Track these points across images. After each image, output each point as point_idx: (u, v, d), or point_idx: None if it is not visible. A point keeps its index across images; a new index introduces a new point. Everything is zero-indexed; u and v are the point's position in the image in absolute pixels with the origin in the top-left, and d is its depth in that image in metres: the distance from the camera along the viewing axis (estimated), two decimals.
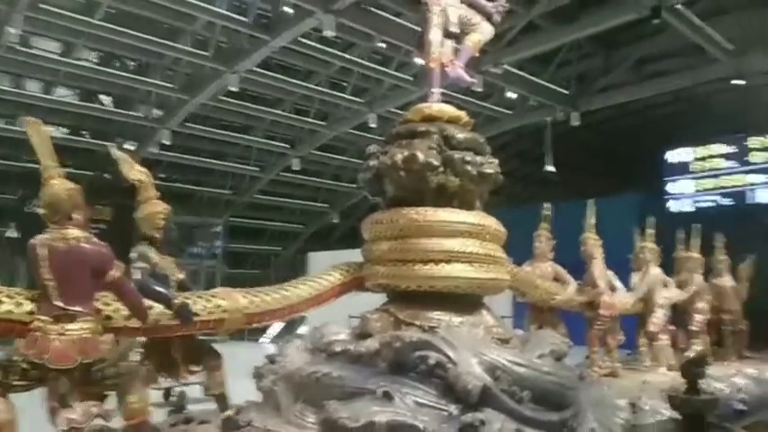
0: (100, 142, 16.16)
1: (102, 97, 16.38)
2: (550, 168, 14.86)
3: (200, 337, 3.70)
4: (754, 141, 14.21)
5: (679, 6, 10.57)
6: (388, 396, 3.42)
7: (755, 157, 14.12)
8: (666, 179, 15.49)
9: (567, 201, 10.34)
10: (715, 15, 11.91)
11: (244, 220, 21.99)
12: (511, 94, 14.63)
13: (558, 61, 14.62)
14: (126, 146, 16.57)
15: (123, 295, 2.96)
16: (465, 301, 4.34)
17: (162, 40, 12.10)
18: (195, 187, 20.16)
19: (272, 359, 4.14)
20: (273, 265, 22.82)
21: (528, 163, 20.37)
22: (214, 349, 3.71)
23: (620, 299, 6.45)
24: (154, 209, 3.61)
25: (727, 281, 8.75)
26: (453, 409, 3.49)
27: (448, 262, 4.17)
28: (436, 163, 4.26)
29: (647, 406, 4.71)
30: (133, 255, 3.42)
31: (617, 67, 14.41)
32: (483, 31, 4.87)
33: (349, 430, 3.23)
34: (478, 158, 4.36)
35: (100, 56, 14.53)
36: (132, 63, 14.75)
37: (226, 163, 19.14)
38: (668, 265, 7.85)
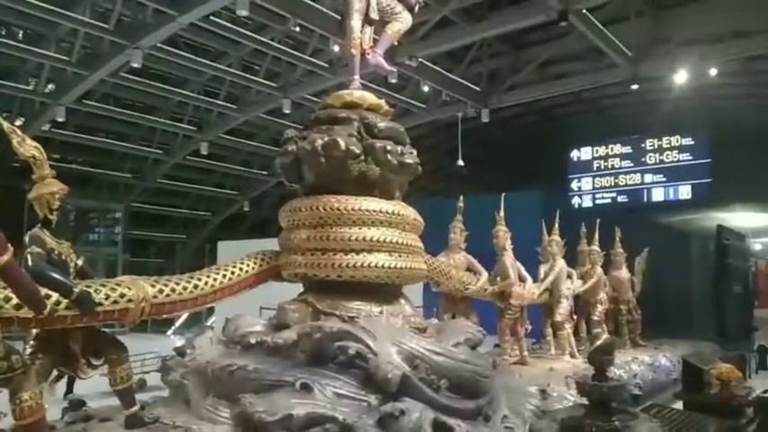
0: None
1: None
2: (460, 163, 15.21)
3: (103, 329, 3.41)
4: (649, 143, 15.26)
5: (585, 11, 11.08)
6: (306, 388, 3.33)
7: (651, 159, 15.19)
8: (571, 176, 16.33)
9: (477, 194, 10.63)
10: (616, 22, 12.61)
11: (146, 205, 20.84)
12: (425, 88, 14.79)
13: (470, 58, 14.97)
14: (15, 122, 15.28)
15: (14, 283, 2.64)
16: (384, 290, 4.30)
17: (57, 9, 11.12)
18: (93, 169, 18.84)
19: (180, 352, 3.91)
20: (179, 253, 21.86)
21: (439, 157, 20.75)
22: (118, 341, 3.43)
23: (528, 289, 6.68)
24: (49, 188, 3.27)
25: (624, 273, 9.34)
26: (373, 399, 3.45)
27: (369, 251, 4.12)
28: (357, 151, 4.18)
29: (554, 392, 4.91)
30: (26, 239, 3.09)
31: (525, 66, 14.95)
32: (403, 21, 4.84)
33: (265, 423, 3.11)
34: (399, 148, 4.32)
35: None
36: (21, 31, 13.51)
37: (127, 144, 18.01)
38: (571, 258, 8.25)
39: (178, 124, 17.19)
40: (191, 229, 22.74)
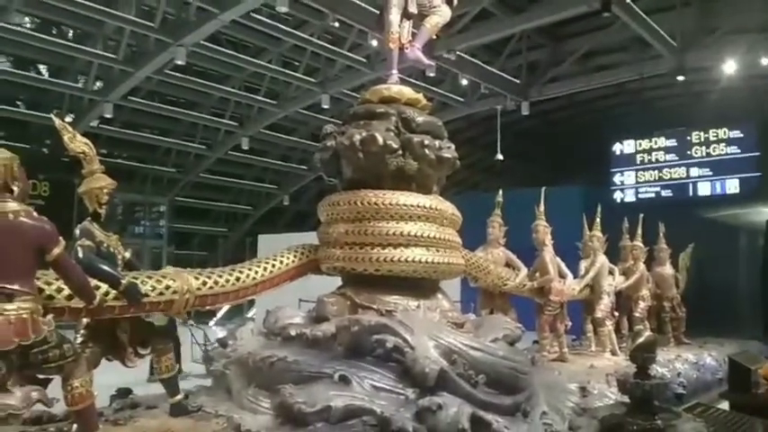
0: (35, 113, 15.29)
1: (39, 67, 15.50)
2: (499, 156, 15.05)
3: (149, 319, 3.53)
4: (695, 136, 14.78)
5: (628, 1, 10.80)
6: (345, 380, 3.37)
7: (697, 152, 14.72)
8: (613, 170, 15.96)
9: (516, 188, 10.50)
10: (660, 11, 12.25)
11: (189, 199, 21.32)
12: (464, 81, 14.67)
13: (509, 51, 14.77)
14: (65, 118, 15.83)
15: (67, 274, 2.76)
16: (422, 285, 4.32)
17: (104, 8, 11.45)
18: (138, 164, 19.37)
19: (223, 343, 4.01)
20: (221, 246, 22.30)
21: (478, 150, 20.57)
22: (165, 331, 3.55)
23: (568, 285, 6.59)
24: (98, 183, 3.39)
25: (667, 269, 9.10)
26: (410, 392, 3.47)
27: (406, 246, 4.14)
28: (395, 145, 4.19)
29: (595, 390, 4.83)
30: (76, 232, 3.21)
31: (565, 58, 14.67)
32: (442, 14, 4.82)
33: (305, 414, 3.16)
34: (437, 142, 4.32)
35: (35, 21, 13.68)
36: (71, 31, 13.95)
37: (170, 140, 18.45)
38: (613, 253, 8.09)
39: (220, 120, 17.50)
40: (232, 222, 23.17)
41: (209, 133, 18.57)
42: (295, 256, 4.27)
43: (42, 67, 15.60)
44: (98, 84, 14.71)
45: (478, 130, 20.00)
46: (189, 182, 20.33)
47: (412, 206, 4.17)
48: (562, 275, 6.65)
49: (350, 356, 3.60)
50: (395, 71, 4.72)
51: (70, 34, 14.11)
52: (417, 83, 15.24)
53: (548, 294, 6.27)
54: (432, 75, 12.87)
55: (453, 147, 4.60)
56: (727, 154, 14.26)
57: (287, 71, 15.08)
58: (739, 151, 14.08)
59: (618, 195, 15.70)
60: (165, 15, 11.93)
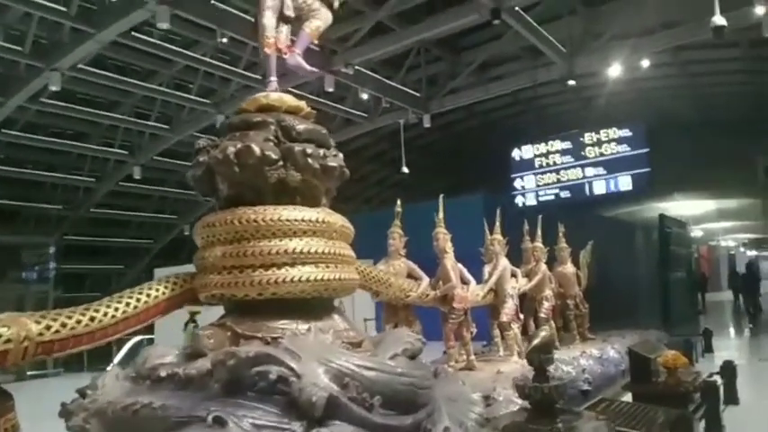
0: None
1: None
2: (404, 170, 15.07)
3: None
4: (588, 137, 15.43)
5: (517, 9, 11.12)
6: (219, 422, 2.96)
7: (590, 152, 15.35)
8: (513, 176, 16.37)
9: (423, 201, 10.44)
10: (550, 20, 12.75)
11: (80, 237, 19.79)
12: (364, 96, 14.63)
13: (409, 64, 14.92)
14: None
15: None
16: (312, 306, 3.99)
17: None
18: (20, 203, 17.80)
19: (82, 392, 3.50)
20: (116, 285, 20.81)
21: (385, 166, 20.60)
22: (1, 389, 3.02)
23: (472, 291, 6.49)
24: None
25: (569, 268, 9.33)
26: (298, 426, 3.12)
27: (292, 265, 3.80)
28: (274, 156, 3.87)
29: (500, 396, 4.70)
30: None
31: (463, 70, 14.98)
32: (322, 18, 4.58)
33: None
34: (321, 151, 4.04)
35: None
36: None
37: (55, 174, 17.10)
38: (517, 257, 8.15)
39: (108, 149, 16.44)
40: (131, 258, 21.77)
41: (98, 164, 17.41)
42: (166, 288, 3.84)
43: None
44: None
45: (385, 145, 20.06)
46: (80, 218, 18.94)
47: (296, 221, 3.84)
48: (465, 282, 6.56)
49: (228, 394, 3.19)
50: (273, 78, 4.43)
51: None
52: (319, 99, 15.14)
53: (451, 302, 6.14)
54: (331, 90, 12.68)
55: (341, 155, 4.35)
56: (618, 152, 14.97)
57: (179, 93, 14.41)
58: (629, 149, 14.82)
59: (519, 200, 16.10)
60: (36, 39, 11.04)
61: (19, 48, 10.75)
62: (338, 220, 4.11)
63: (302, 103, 4.32)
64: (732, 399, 6.82)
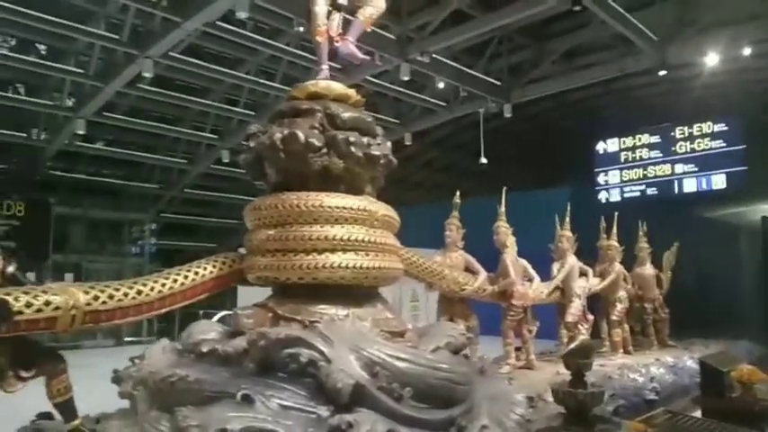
0: (9, 132, 15.13)
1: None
2: (483, 160, 14.77)
3: (36, 339, 3.25)
4: (679, 131, 14.43)
5: None
6: (247, 399, 3.07)
7: (681, 148, 14.35)
8: (597, 170, 15.62)
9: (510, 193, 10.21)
10: (640, 8, 12.01)
11: (176, 216, 21.02)
12: (440, 84, 14.46)
13: (491, 53, 14.55)
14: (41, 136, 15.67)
15: None
16: (353, 292, 4.02)
17: (74, 24, 11.31)
18: (121, 181, 19.13)
19: (133, 361, 3.72)
20: None
21: (467, 156, 20.29)
22: (54, 352, 3.27)
23: (534, 289, 6.30)
24: None
25: (648, 269, 8.82)
26: (324, 411, 3.17)
27: (332, 251, 3.85)
28: (318, 144, 3.93)
29: (549, 399, 4.52)
30: None
31: (547, 58, 14.44)
32: (375, 5, 4.56)
33: None
34: (365, 139, 4.04)
35: (7, 41, 13.56)
36: (43, 48, 13.81)
37: (153, 156, 18.23)
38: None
39: (200, 133, 17.28)
40: (223, 236, 22.82)
41: (191, 148, 18.36)
42: (214, 267, 4.00)
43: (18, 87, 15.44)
44: (71, 101, 14.53)
45: (467, 136, 19.76)
46: (175, 198, 20.08)
47: (337, 208, 3.89)
48: (529, 279, 6.38)
49: (261, 373, 3.30)
50: (325, 66, 4.47)
51: (42, 51, 13.94)
52: (399, 89, 15.14)
53: (510, 298, 5.98)
54: (407, 78, 12.64)
55: (387, 144, 4.33)
56: (711, 148, 13.87)
57: (265, 81, 14.88)
58: (725, 145, 13.69)
59: (603, 195, 15.34)
60: (134, 27, 11.75)
61: (117, 36, 11.50)
62: (381, 208, 4.10)
63: (351, 91, 4.33)
64: None
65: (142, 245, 20.06)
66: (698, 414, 5.36)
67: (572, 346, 3.33)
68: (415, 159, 21.42)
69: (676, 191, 14.22)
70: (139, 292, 3.43)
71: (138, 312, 3.46)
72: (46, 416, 3.87)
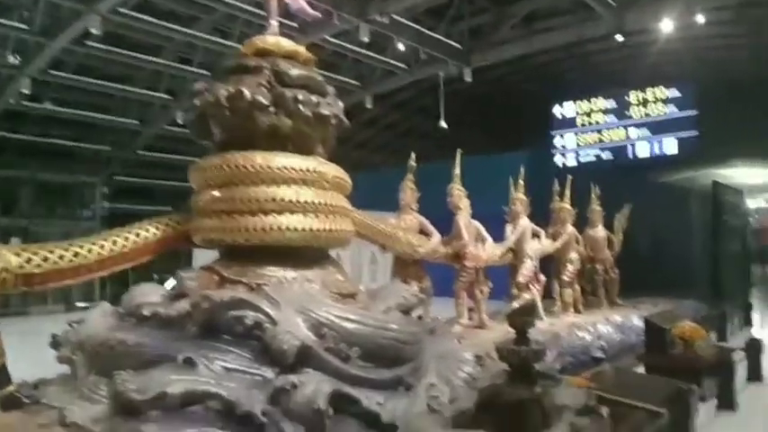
0: None
1: None
2: (442, 124, 14.72)
3: None
4: (634, 96, 14.60)
5: None
6: (189, 362, 3.02)
7: (635, 113, 14.54)
8: (553, 134, 15.74)
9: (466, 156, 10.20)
10: None
11: (129, 179, 20.41)
12: (401, 46, 14.25)
13: (452, 15, 14.37)
14: None
15: None
16: (303, 255, 3.98)
17: None
18: (71, 143, 18.41)
19: (73, 325, 3.62)
20: None
21: (428, 119, 20.21)
22: None
23: (486, 250, 6.36)
24: None
25: (600, 231, 9.01)
26: (269, 372, 3.15)
27: (280, 213, 3.79)
28: (265, 102, 3.82)
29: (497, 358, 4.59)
30: None
31: (507, 22, 14.36)
32: None
33: (137, 403, 2.81)
34: (314, 98, 3.95)
35: None
36: None
37: (102, 116, 17.52)
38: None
39: (153, 93, 16.70)
40: (179, 200, 22.30)
41: (144, 108, 17.74)
42: (158, 229, 3.89)
43: None
44: (14, 58, 13.79)
45: (429, 99, 19.65)
46: (128, 159, 19.49)
47: (285, 168, 3.80)
48: (482, 240, 6.43)
49: (203, 337, 3.25)
50: (274, 21, 4.34)
51: None
52: (359, 50, 14.87)
53: (463, 260, 6.02)
54: (366, 39, 12.40)
55: (339, 104, 4.25)
56: (664, 114, 14.10)
57: (220, 40, 14.39)
58: (677, 110, 13.93)
59: (559, 160, 15.52)
60: None
61: None
62: (331, 170, 4.03)
63: (301, 48, 4.20)
64: (756, 376, 6.52)
65: (94, 208, 19.48)
66: (641, 370, 5.55)
67: (516, 304, 3.35)
68: (376, 122, 21.25)
69: (630, 155, 14.48)
70: (77, 255, 3.32)
71: (77, 275, 3.34)
72: None
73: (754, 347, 6.56)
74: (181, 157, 20.85)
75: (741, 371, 6.38)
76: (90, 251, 3.39)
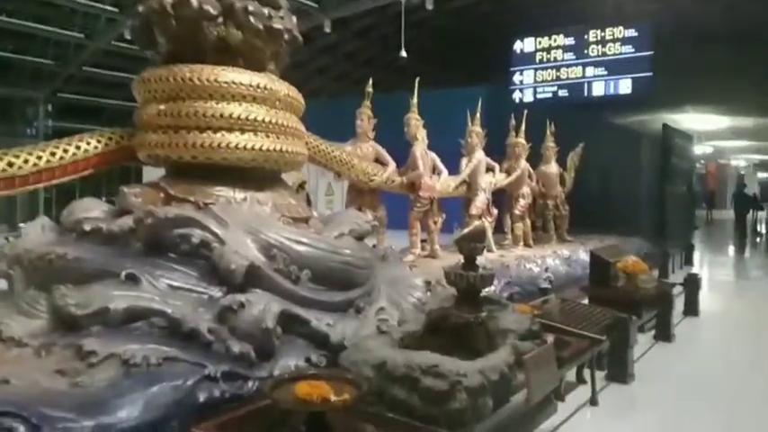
0: None
1: None
2: (403, 54, 14.35)
3: None
4: (593, 34, 14.48)
5: None
6: (133, 278, 2.94)
7: (593, 51, 14.48)
8: (512, 69, 15.59)
9: (426, 88, 10.07)
10: None
11: (75, 96, 19.37)
12: None
13: None
14: None
15: None
16: (253, 176, 3.87)
17: None
18: (10, 54, 17.23)
19: (8, 239, 3.46)
20: None
21: (390, 51, 19.72)
22: None
23: (441, 182, 6.35)
24: None
25: (552, 167, 9.12)
26: (216, 291, 3.11)
27: (228, 130, 3.64)
28: (213, 11, 3.59)
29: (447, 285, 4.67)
30: None
31: None
32: None
33: (77, 317, 2.74)
34: (266, 10, 3.74)
35: None
36: None
37: (43, 27, 16.34)
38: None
39: (99, 5, 15.65)
40: (126, 120, 21.34)
41: (90, 20, 16.65)
42: (99, 142, 3.71)
43: None
44: None
45: (389, 28, 19.09)
46: (74, 76, 18.44)
47: (234, 84, 3.63)
48: (438, 172, 6.41)
49: (148, 254, 3.15)
50: None
51: None
52: None
53: (417, 190, 6.01)
54: None
55: (293, 19, 4.04)
56: (621, 53, 14.08)
57: None
58: (633, 50, 13.91)
59: (517, 95, 15.46)
60: None
61: None
62: (283, 87, 3.87)
63: None
64: (692, 310, 6.87)
65: (37, 126, 18.54)
66: (585, 302, 5.76)
67: (464, 230, 3.37)
68: (336, 49, 20.63)
69: (586, 94, 14.51)
70: (11, 164, 3.13)
71: (10, 186, 3.17)
72: None
73: (692, 283, 6.87)
74: (130, 76, 19.92)
75: (679, 305, 6.72)
76: (26, 161, 3.20)
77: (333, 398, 2.22)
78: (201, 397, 2.53)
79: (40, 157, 3.28)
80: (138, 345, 2.62)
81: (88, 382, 2.33)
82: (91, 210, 3.43)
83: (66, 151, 3.44)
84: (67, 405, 2.16)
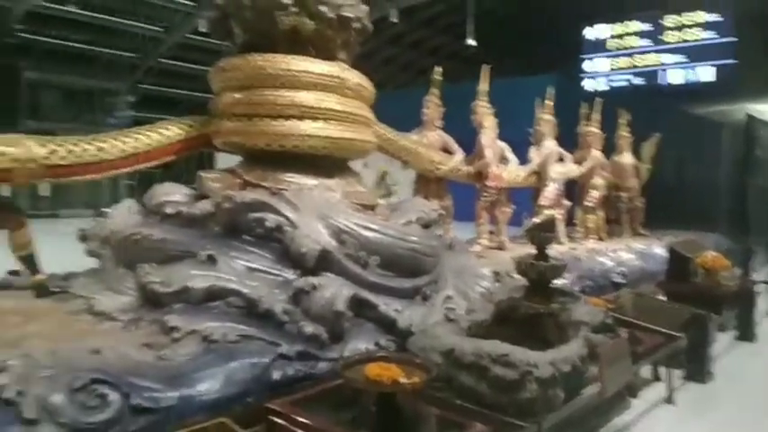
0: None
1: None
2: (470, 42, 14.16)
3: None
4: (669, 20, 13.76)
5: None
6: (212, 259, 3.07)
7: (669, 37, 13.77)
8: (583, 57, 15.08)
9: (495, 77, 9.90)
10: None
11: (154, 87, 20.27)
12: None
13: None
14: None
15: None
16: (324, 163, 3.94)
17: None
18: (95, 48, 18.19)
19: (98, 220, 3.68)
20: None
21: (456, 40, 19.53)
22: (14, 206, 3.21)
23: (509, 171, 6.25)
24: None
25: (626, 158, 8.78)
26: (290, 274, 3.20)
27: (300, 118, 3.72)
28: (286, 1, 3.66)
29: (515, 275, 4.61)
30: None
31: None
32: None
33: (160, 295, 2.89)
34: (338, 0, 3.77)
35: None
36: None
37: (123, 20, 17.14)
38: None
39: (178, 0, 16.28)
40: (205, 112, 22.20)
41: (167, 14, 17.35)
42: (180, 129, 3.86)
43: None
44: None
45: (457, 17, 18.90)
46: (153, 69, 19.29)
47: (306, 72, 3.70)
48: (506, 161, 6.30)
49: (225, 236, 3.28)
50: None
51: None
52: None
53: (485, 179, 5.93)
54: None
55: (364, 8, 4.07)
56: (702, 39, 13.32)
57: None
58: (716, 36, 13.13)
59: (589, 84, 14.95)
60: None
61: None
62: (353, 76, 3.91)
63: None
64: None
65: (119, 116, 19.52)
66: (661, 297, 5.54)
67: (536, 220, 3.31)
68: (402, 39, 20.63)
69: (663, 82, 13.86)
70: (101, 149, 3.32)
71: (100, 170, 3.35)
72: (15, 273, 3.88)
73: None
74: (205, 68, 20.65)
75: (762, 304, 6.36)
76: (113, 147, 3.39)
77: (403, 380, 2.25)
78: (276, 375, 2.61)
79: (126, 143, 3.46)
80: (217, 323, 2.74)
81: (172, 356, 2.45)
82: (172, 194, 3.59)
83: (150, 137, 3.61)
84: (154, 376, 2.29)
